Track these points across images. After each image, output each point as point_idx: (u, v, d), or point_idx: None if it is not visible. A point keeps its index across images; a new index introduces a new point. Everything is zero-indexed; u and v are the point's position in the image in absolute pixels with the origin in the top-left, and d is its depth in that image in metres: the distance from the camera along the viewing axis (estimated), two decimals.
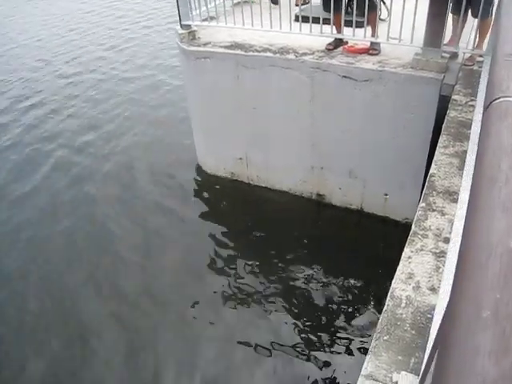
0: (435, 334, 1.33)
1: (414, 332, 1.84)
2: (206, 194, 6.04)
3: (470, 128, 3.30)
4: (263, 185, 5.72)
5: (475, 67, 4.22)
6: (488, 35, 4.06)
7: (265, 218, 5.40)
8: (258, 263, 4.83)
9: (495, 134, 0.65)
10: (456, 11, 4.17)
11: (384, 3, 5.09)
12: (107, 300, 4.58)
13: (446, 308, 0.56)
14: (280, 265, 4.77)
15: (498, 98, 0.74)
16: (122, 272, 4.88)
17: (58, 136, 7.58)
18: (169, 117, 7.88)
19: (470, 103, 3.64)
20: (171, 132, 7.40)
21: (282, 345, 4.01)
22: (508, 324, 0.40)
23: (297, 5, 5.19)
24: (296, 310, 4.32)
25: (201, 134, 5.96)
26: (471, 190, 0.64)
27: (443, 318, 0.55)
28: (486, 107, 0.75)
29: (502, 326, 0.41)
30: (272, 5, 5.09)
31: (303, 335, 4.11)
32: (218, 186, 5.99)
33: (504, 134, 0.64)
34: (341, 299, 4.38)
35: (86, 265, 5.00)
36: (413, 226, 2.41)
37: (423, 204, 2.56)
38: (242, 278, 4.69)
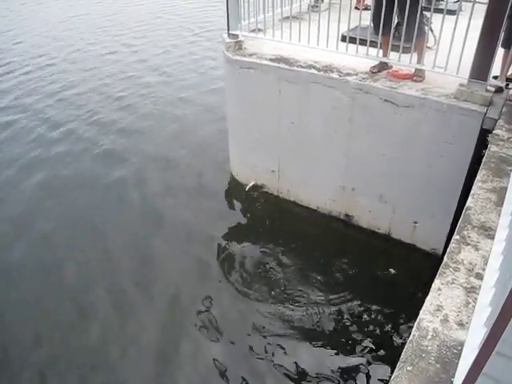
0: (465, 372, 1.32)
1: (438, 366, 1.82)
2: (234, 203, 6.09)
3: (511, 165, 3.27)
4: (292, 199, 5.72)
5: None
6: None
7: (290, 232, 5.39)
8: (276, 278, 4.81)
9: None
10: (506, 45, 4.13)
11: (432, 31, 5.07)
12: None
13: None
14: (298, 284, 4.74)
15: None
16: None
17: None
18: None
19: None
20: (206, 136, 7.49)
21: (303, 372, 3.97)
22: None
23: (356, 8, 5.13)
24: (308, 334, 4.27)
25: (236, 143, 6.01)
26: None
27: None
28: None
29: None
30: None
31: (317, 360, 4.06)
32: (247, 196, 6.02)
33: None
34: (359, 326, 4.32)
35: None
36: (445, 258, 2.38)
37: (457, 236, 2.54)
38: (258, 293, 4.66)
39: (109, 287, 4.78)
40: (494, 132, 3.77)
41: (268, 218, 5.70)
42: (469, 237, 2.53)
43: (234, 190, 6.23)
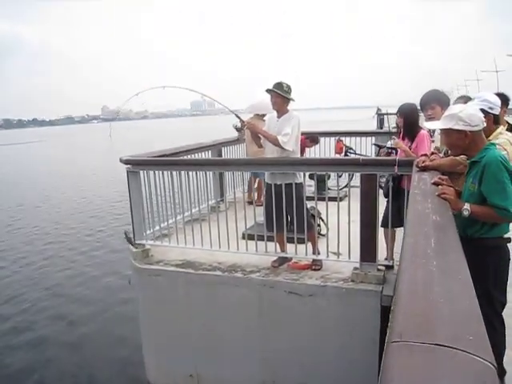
0: None
1: None
2: None
3: None
4: None
5: None
6: None
7: None
8: None
9: None
10: (385, 226, 4.62)
11: (323, 220, 5.59)
12: None
13: None
14: None
15: None
16: None
17: None
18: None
19: None
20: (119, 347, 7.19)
21: None
22: None
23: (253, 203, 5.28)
24: None
25: (151, 350, 5.81)
26: None
27: None
28: None
29: None
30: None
31: None
32: None
33: None
34: None
35: None
36: None
37: None
38: None
39: None
40: (391, 308, 3.98)
41: None
42: None
43: None
